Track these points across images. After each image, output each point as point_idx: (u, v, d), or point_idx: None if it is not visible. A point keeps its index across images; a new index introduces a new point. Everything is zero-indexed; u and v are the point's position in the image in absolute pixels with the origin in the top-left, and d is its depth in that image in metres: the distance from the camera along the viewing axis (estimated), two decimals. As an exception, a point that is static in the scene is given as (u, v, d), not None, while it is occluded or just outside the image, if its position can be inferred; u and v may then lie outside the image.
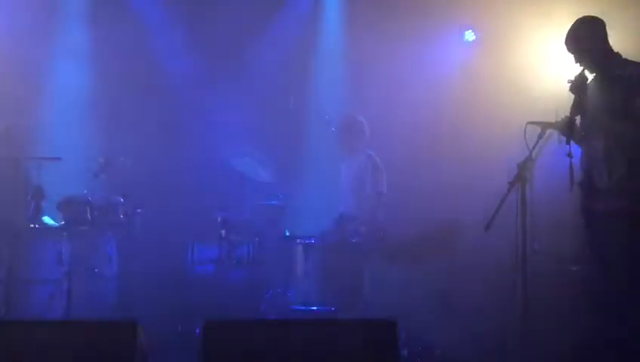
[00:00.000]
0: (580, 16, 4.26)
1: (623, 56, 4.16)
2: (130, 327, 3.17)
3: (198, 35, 6.91)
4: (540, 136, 4.14)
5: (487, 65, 6.36)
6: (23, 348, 3.14)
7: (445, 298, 5.37)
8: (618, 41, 4.25)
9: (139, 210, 5.86)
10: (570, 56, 4.26)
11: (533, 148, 4.10)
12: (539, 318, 4.34)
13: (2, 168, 5.47)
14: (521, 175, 4.11)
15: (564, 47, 4.27)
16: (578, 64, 4.17)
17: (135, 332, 3.15)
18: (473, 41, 6.80)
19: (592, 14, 4.29)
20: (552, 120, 4.24)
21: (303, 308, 5.25)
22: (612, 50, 4.16)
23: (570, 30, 4.19)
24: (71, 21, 6.89)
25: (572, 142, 3.94)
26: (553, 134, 4.24)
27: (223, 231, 5.73)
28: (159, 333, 4.30)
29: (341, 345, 3.20)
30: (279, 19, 7.03)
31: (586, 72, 4.11)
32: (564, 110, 4.18)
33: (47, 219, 5.64)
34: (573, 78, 4.08)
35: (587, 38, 4.12)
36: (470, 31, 6.79)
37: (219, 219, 5.77)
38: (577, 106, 4.04)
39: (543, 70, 6.01)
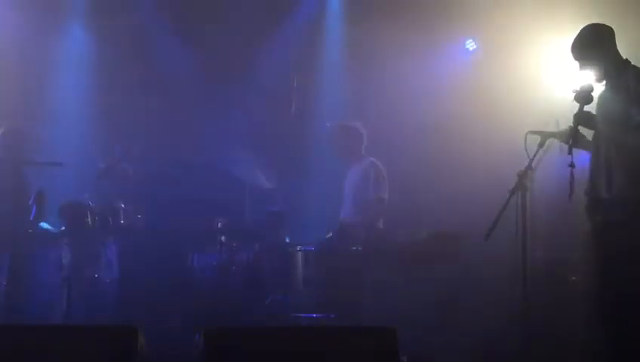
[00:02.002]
0: (579, 25, 4.26)
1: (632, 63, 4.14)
2: (130, 332, 3.17)
3: (200, 39, 6.92)
4: (541, 146, 4.14)
5: (488, 75, 6.38)
6: (22, 353, 3.13)
7: (445, 305, 5.37)
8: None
9: (139, 216, 5.87)
10: (570, 66, 4.26)
11: (534, 157, 4.10)
12: (538, 327, 4.34)
13: (3, 173, 5.48)
14: (522, 184, 4.12)
15: (565, 57, 4.26)
16: (583, 71, 4.13)
17: (135, 338, 3.14)
18: (474, 50, 6.82)
19: (592, 22, 4.29)
20: (553, 129, 4.25)
21: (303, 314, 5.25)
22: (621, 57, 4.12)
23: (577, 37, 4.12)
24: (71, 25, 6.90)
25: (574, 152, 3.94)
26: (553, 143, 4.24)
27: (223, 238, 5.73)
28: (159, 339, 4.30)
29: (341, 352, 3.20)
30: (282, 25, 7.04)
31: (593, 82, 4.09)
32: (565, 120, 4.19)
33: (45, 226, 5.65)
34: (578, 88, 4.04)
35: (595, 45, 4.05)
36: (471, 40, 6.81)
37: (219, 225, 5.77)
38: (582, 116, 4.03)
39: (544, 79, 6.02)
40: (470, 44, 6.83)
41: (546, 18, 6.03)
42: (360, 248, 5.48)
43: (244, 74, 6.85)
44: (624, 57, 4.12)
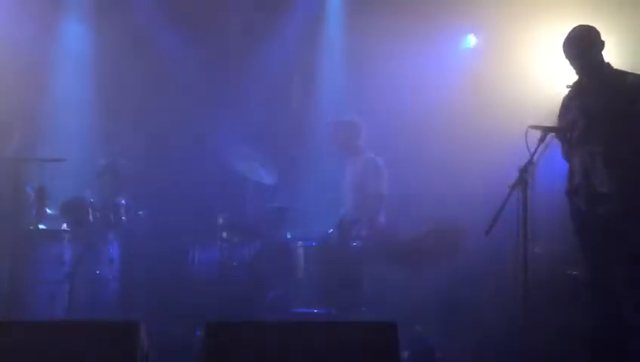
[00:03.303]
0: (578, 23, 4.31)
1: (615, 67, 4.23)
2: (132, 328, 3.18)
3: (200, 37, 6.92)
4: (541, 140, 4.15)
5: (488, 70, 6.38)
6: (24, 349, 3.14)
7: (446, 301, 5.38)
8: (617, 48, 4.28)
9: (140, 212, 5.88)
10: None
11: (535, 152, 4.11)
12: (539, 322, 4.34)
13: (5, 169, 5.48)
14: (522, 179, 4.12)
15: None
16: (574, 70, 4.22)
17: (137, 333, 3.15)
18: (473, 46, 6.81)
19: (593, 20, 4.33)
20: (554, 124, 4.26)
21: (304, 310, 5.26)
22: (603, 60, 4.22)
23: (566, 38, 4.26)
24: (73, 22, 6.90)
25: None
26: (554, 138, 4.25)
27: (224, 233, 5.73)
28: (160, 335, 4.32)
29: (341, 348, 3.21)
30: (282, 22, 7.04)
31: (583, 78, 4.17)
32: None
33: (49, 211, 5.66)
34: (571, 84, 4.12)
35: (582, 46, 4.18)
36: (471, 35, 6.81)
37: (220, 220, 5.77)
38: (576, 111, 4.08)
39: (544, 74, 6.02)
40: (471, 40, 6.83)
41: (546, 13, 6.03)
42: (360, 244, 5.48)
43: (245, 70, 6.85)
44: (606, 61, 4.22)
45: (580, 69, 4.21)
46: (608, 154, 4.02)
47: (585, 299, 4.41)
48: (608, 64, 4.23)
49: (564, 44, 4.26)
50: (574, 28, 4.27)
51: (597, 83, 4.18)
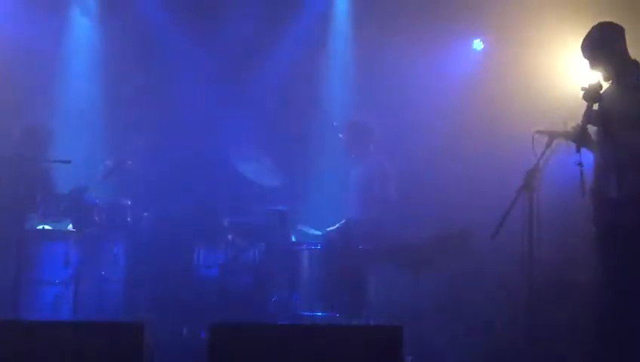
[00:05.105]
0: (587, 26, 4.25)
1: None
2: (137, 329, 3.18)
3: (206, 38, 6.93)
4: (548, 145, 4.13)
5: (495, 74, 6.37)
6: (29, 349, 3.15)
7: (450, 305, 5.37)
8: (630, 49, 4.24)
9: (146, 214, 5.88)
10: (578, 65, 4.25)
11: (541, 156, 4.09)
12: (545, 327, 4.33)
13: (19, 170, 5.48)
14: (529, 183, 4.11)
15: (573, 55, 4.25)
16: (593, 71, 4.12)
17: (141, 334, 3.16)
18: (481, 50, 6.82)
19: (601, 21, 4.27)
20: (560, 129, 4.24)
21: (308, 313, 5.26)
22: (630, 57, 4.11)
23: (587, 35, 4.13)
24: (81, 23, 6.92)
25: (582, 151, 3.92)
26: (561, 143, 4.23)
27: (229, 236, 5.74)
28: (165, 336, 4.33)
29: (346, 351, 3.20)
30: (289, 23, 7.05)
31: (601, 80, 4.07)
32: (573, 119, 4.18)
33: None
34: (587, 86, 4.03)
35: (605, 44, 4.06)
36: (478, 40, 6.81)
37: (225, 223, 5.78)
38: (590, 115, 4.02)
39: (551, 79, 6.01)
40: (478, 44, 6.82)
41: (553, 17, 6.02)
42: (366, 247, 5.48)
43: (252, 72, 6.86)
44: (632, 58, 4.12)
45: (596, 69, 4.08)
46: (621, 160, 3.96)
47: (593, 306, 4.38)
48: (634, 62, 4.08)
49: (582, 43, 4.13)
50: (594, 25, 4.12)
51: (614, 83, 4.07)
